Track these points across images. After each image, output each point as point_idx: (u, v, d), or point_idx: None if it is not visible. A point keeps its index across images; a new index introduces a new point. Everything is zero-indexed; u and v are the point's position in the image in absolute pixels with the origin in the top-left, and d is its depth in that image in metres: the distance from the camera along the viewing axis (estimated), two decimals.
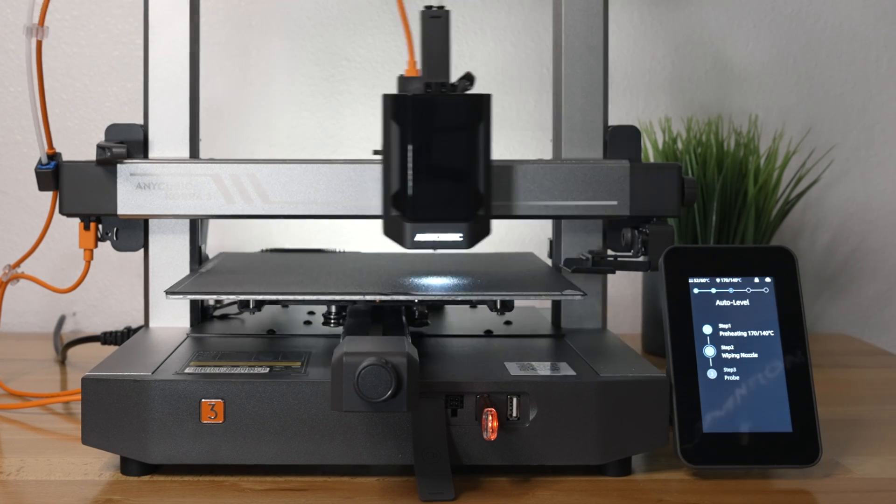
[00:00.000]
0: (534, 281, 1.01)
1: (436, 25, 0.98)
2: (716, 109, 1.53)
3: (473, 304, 1.12)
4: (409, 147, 0.94)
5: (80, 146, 1.49)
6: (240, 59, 1.50)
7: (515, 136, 1.51)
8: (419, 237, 0.95)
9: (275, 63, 1.50)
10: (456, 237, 0.95)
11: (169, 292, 0.91)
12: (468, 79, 0.98)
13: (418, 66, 0.98)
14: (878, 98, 1.55)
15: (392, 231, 0.96)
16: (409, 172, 0.94)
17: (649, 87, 1.53)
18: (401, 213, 0.95)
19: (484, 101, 0.96)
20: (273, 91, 1.50)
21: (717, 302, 0.90)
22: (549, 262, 1.13)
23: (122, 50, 1.50)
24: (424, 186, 0.95)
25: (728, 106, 1.53)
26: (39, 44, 1.00)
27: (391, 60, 1.50)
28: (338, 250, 1.17)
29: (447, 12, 0.98)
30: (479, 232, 0.96)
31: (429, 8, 0.98)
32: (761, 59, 1.53)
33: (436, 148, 0.95)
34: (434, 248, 0.96)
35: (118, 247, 1.06)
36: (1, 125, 1.49)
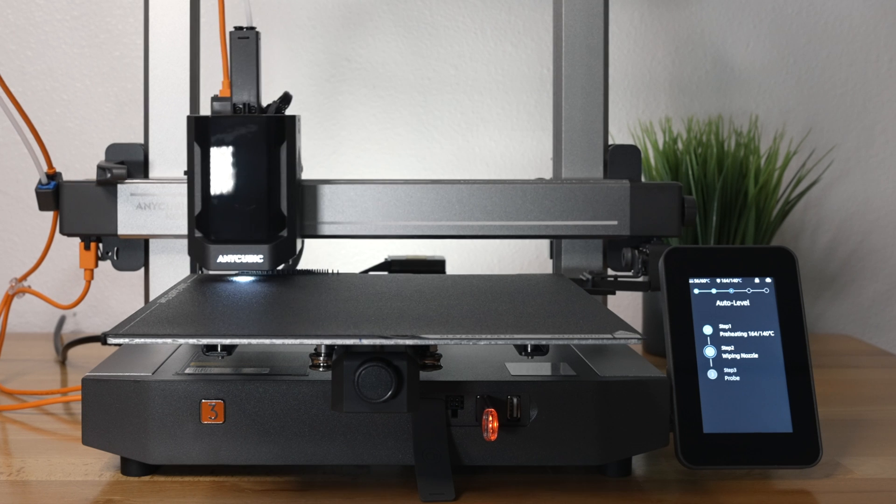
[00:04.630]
0: (574, 316, 0.84)
1: (244, 46, 0.99)
2: (716, 109, 1.53)
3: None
4: (210, 168, 0.95)
5: (80, 146, 1.49)
6: None
7: (515, 136, 1.51)
8: (221, 259, 0.96)
9: (275, 63, 1.50)
10: (257, 259, 0.96)
11: (109, 335, 0.77)
12: (284, 100, 0.99)
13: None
14: (878, 98, 1.54)
15: (195, 252, 0.97)
16: (210, 194, 0.95)
17: (649, 87, 1.53)
18: (203, 235, 0.96)
19: (287, 122, 0.97)
20: (273, 91, 1.50)
21: (718, 302, 0.90)
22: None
23: (122, 50, 1.50)
24: (225, 208, 0.96)
25: (728, 106, 1.53)
26: None
27: (391, 61, 1.50)
28: (331, 271, 1.04)
29: (256, 34, 1.00)
30: (282, 253, 0.97)
31: (238, 28, 0.99)
32: (761, 59, 1.53)
33: (236, 169, 0.96)
34: (237, 269, 0.96)
35: (118, 266, 1.06)
36: (0, 125, 1.49)
